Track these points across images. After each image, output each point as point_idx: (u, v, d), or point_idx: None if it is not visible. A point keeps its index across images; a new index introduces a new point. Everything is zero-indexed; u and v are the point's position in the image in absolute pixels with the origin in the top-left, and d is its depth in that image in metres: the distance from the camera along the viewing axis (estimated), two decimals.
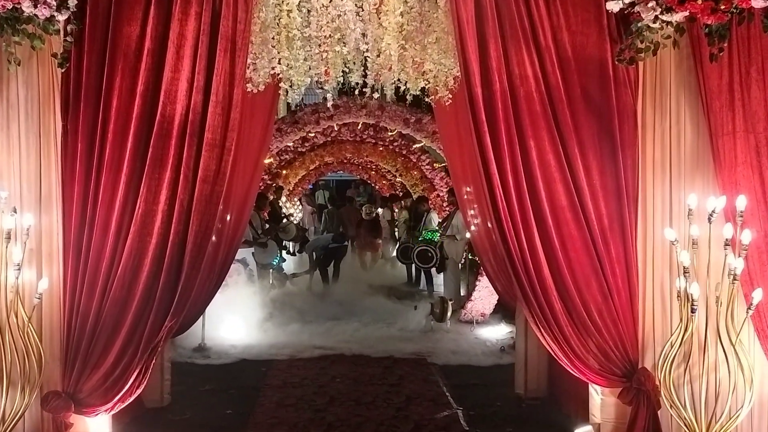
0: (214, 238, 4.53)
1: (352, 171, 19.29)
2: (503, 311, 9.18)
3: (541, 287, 4.16)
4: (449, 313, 8.48)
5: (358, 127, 11.87)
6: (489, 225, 5.15)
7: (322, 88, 4.76)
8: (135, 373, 4.08)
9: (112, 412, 4.20)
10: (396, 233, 15.25)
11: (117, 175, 4.01)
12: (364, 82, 4.58)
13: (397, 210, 17.21)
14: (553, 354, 4.36)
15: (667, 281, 4.13)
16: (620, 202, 4.22)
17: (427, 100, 5.42)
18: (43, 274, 4.05)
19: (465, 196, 6.23)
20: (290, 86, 4.45)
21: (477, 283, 9.05)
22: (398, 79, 4.70)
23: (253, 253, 9.33)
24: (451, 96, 4.90)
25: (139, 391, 4.23)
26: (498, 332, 8.41)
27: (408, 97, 5.01)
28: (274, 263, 10.68)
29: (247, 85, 4.30)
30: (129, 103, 4.00)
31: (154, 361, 4.30)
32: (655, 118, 4.21)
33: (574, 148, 4.18)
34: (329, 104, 5.05)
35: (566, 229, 4.17)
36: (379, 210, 18.22)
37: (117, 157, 4.01)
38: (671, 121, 4.13)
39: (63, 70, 3.98)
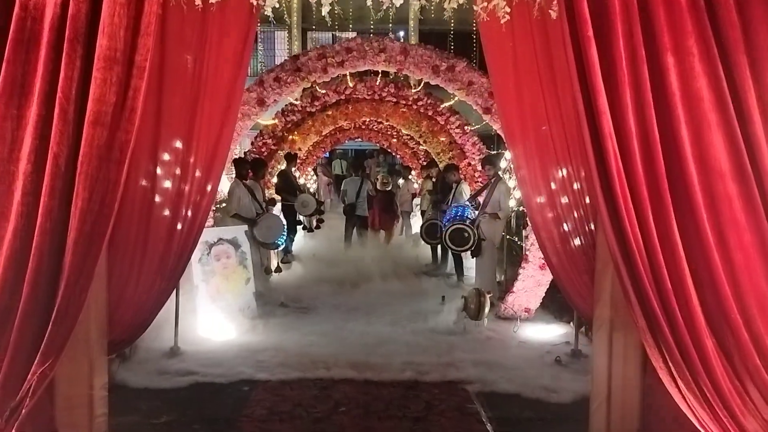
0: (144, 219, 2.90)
1: (371, 138, 17.48)
2: (552, 305, 7.45)
3: (681, 311, 2.42)
4: (487, 309, 6.75)
5: (377, 83, 10.12)
6: (576, 209, 3.44)
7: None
8: None
9: None
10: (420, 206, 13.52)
11: None
12: None
13: (420, 180, 15.46)
14: (697, 420, 2.61)
15: None
16: None
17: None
18: None
19: (522, 166, 4.47)
20: None
21: (520, 270, 7.31)
22: None
23: (248, 231, 7.62)
24: (508, 10, 3.16)
25: None
26: (548, 334, 6.69)
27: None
28: (280, 242, 8.99)
29: None
30: None
31: None
32: None
33: (744, 70, 2.37)
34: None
35: (727, 212, 2.41)
36: (400, 181, 16.50)
37: None
38: None
39: None
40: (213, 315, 6.86)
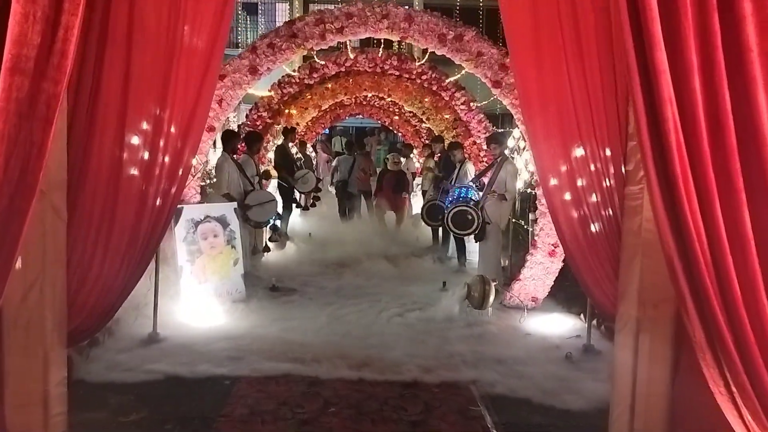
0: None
1: (372, 115, 16.89)
2: (560, 295, 6.99)
3: (752, 325, 1.94)
4: (492, 299, 6.28)
5: (378, 55, 9.54)
6: (599, 191, 2.98)
7: None
8: None
9: None
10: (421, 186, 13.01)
11: None
12: None
13: (422, 160, 14.91)
14: None
15: None
16: None
17: None
18: None
19: (539, 142, 3.97)
20: None
21: (528, 257, 6.83)
22: None
23: (236, 209, 7.11)
24: None
25: None
26: (557, 326, 6.22)
27: None
28: (271, 221, 8.50)
29: None
30: None
31: None
32: None
33: None
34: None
35: None
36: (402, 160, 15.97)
37: None
38: None
39: None
40: (198, 299, 6.40)
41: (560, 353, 5.44)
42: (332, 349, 5.29)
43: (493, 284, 6.30)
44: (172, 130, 3.57)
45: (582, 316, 6.45)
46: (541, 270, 6.74)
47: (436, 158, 12.48)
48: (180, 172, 3.63)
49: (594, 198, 3.67)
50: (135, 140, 3.42)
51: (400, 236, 11.08)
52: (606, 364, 4.99)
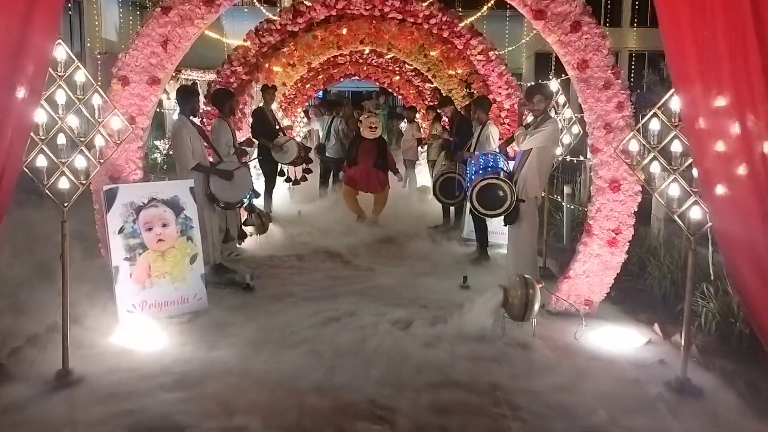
0: None
1: (369, 76, 15.08)
2: (619, 296, 5.38)
3: None
4: (537, 307, 4.62)
5: None
6: None
7: None
8: None
9: None
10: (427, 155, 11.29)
11: None
12: None
13: (424, 124, 13.14)
14: None
15: None
16: None
17: None
18: None
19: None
20: None
21: (580, 247, 5.17)
22: None
23: (192, 187, 5.40)
24: None
25: None
26: (625, 342, 4.59)
27: None
28: (246, 200, 6.79)
29: None
30: None
31: None
32: None
33: None
34: None
35: None
36: (402, 125, 14.15)
37: None
38: None
39: None
40: (137, 313, 4.75)
41: (645, 391, 3.81)
42: (322, 386, 3.64)
43: (538, 288, 4.64)
44: None
45: (657, 327, 4.82)
46: (597, 264, 5.08)
47: (443, 122, 10.81)
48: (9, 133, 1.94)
49: None
50: None
51: (405, 213, 9.39)
52: (722, 412, 3.41)
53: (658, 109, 3.86)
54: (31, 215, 6.31)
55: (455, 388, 3.82)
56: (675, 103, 3.66)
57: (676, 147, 3.78)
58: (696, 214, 3.73)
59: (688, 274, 3.84)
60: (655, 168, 3.97)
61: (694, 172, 3.58)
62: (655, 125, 3.86)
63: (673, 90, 3.44)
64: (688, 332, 3.88)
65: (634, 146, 4.13)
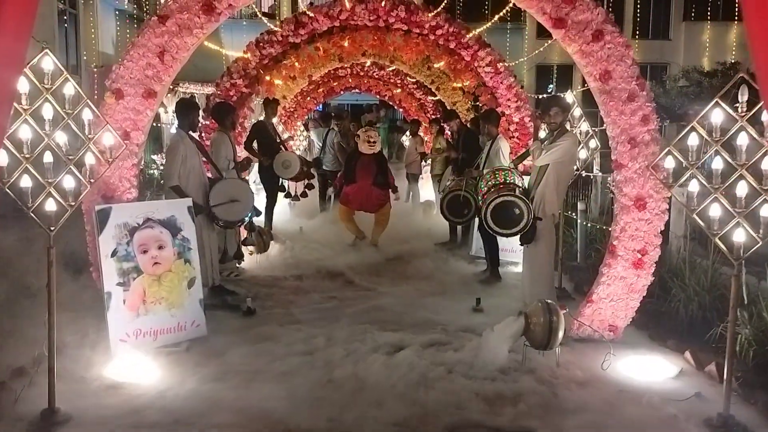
0: None
1: (370, 89, 14.81)
2: (642, 319, 5.06)
3: None
4: (561, 334, 4.29)
5: (381, 4, 7.49)
6: None
7: None
8: None
9: None
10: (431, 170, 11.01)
11: None
12: None
13: (426, 138, 12.86)
14: None
15: None
16: None
17: None
18: None
19: None
20: None
21: (603, 270, 4.85)
22: None
23: (190, 207, 5.09)
24: None
25: None
26: (655, 372, 4.26)
27: None
28: (247, 218, 6.49)
29: None
30: None
31: None
32: None
33: None
34: None
35: None
36: (404, 138, 13.90)
37: None
38: None
39: None
40: (132, 341, 4.42)
41: (685, 430, 3.48)
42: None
43: (561, 314, 4.32)
44: None
45: (688, 355, 4.50)
46: (622, 287, 4.77)
47: (446, 136, 10.54)
48: None
49: None
50: None
51: (409, 230, 9.07)
52: None
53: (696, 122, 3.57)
54: (17, 235, 5.98)
55: (469, 419, 3.51)
56: (765, 116, 3.33)
57: (717, 164, 3.49)
58: (740, 236, 3.43)
59: (731, 302, 3.53)
60: (694, 186, 3.66)
61: (738, 190, 3.29)
62: (693, 140, 3.57)
63: (761, 103, 3.11)
64: (730, 365, 3.57)
65: (669, 163, 3.83)
